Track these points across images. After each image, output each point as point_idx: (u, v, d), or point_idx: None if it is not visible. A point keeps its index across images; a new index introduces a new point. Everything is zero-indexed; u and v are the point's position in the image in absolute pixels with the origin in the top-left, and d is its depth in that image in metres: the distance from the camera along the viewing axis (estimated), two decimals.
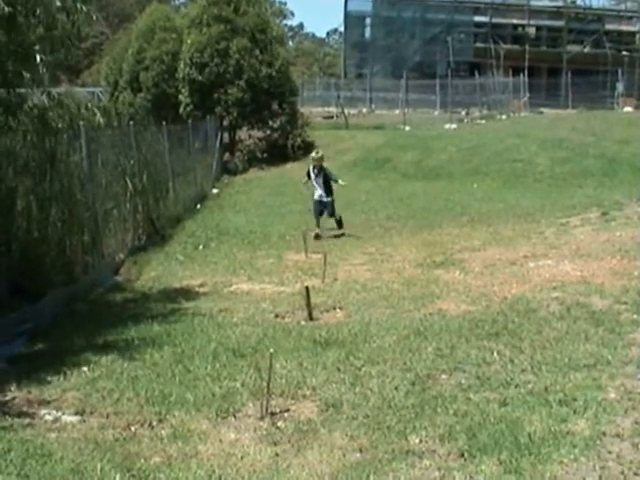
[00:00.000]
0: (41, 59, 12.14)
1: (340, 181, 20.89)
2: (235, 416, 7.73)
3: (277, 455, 6.81)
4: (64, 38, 12.60)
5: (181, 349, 9.87)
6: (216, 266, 16.05)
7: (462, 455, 6.52)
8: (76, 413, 8.00)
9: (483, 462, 6.33)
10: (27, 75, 11.56)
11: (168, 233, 20.42)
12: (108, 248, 16.38)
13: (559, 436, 6.68)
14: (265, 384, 7.73)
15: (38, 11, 11.51)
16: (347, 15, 77.08)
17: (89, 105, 18.33)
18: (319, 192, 20.59)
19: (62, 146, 14.60)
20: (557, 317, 10.26)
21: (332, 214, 20.58)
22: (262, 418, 7.60)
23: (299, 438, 7.13)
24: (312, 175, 20.76)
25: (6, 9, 10.56)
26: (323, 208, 20.57)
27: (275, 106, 40.24)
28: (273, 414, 7.66)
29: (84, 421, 7.81)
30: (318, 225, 20.14)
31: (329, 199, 20.60)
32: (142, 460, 6.78)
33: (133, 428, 7.56)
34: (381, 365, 8.86)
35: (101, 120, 16.44)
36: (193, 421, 7.62)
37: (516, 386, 7.96)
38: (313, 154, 21.37)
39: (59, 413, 8.03)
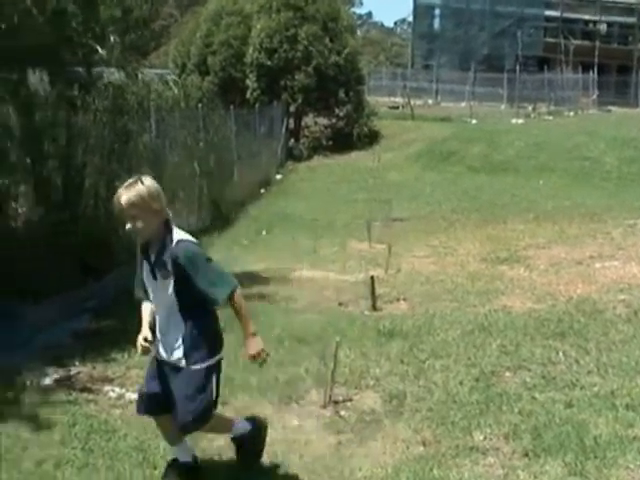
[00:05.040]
0: (115, 39, 12.25)
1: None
2: (298, 403, 7.75)
3: (340, 444, 6.82)
4: (139, 21, 12.71)
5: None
6: (279, 252, 16.06)
7: (526, 455, 6.46)
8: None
9: (548, 463, 6.27)
10: (102, 52, 11.64)
11: (232, 217, 20.48)
12: None
13: (625, 441, 6.59)
14: (329, 372, 7.73)
15: None
16: (416, 5, 76.92)
17: (168, 78, 18.50)
18: (166, 337, 5.70)
19: (133, 125, 14.71)
20: (624, 320, 10.11)
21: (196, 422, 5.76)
22: (325, 406, 7.60)
23: (362, 428, 7.13)
24: (144, 272, 5.79)
25: None
26: (164, 391, 5.81)
27: (341, 94, 40.16)
28: (336, 403, 7.66)
29: None
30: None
31: (192, 364, 5.65)
32: (206, 441, 6.81)
33: None
34: (445, 359, 8.81)
35: (176, 92, 16.55)
36: (256, 405, 7.63)
37: (582, 388, 7.86)
38: (122, 195, 5.57)
39: (123, 390, 8.11)
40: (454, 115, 46.43)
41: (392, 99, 56.23)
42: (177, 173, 17.45)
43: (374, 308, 11.09)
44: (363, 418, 7.33)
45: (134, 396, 7.84)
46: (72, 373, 8.65)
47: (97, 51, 11.55)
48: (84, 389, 8.17)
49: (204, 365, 5.66)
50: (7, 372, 8.56)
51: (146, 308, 5.79)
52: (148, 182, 5.60)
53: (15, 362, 8.89)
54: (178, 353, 5.62)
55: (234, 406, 7.64)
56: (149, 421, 7.17)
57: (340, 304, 11.58)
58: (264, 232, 18.66)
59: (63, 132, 12.68)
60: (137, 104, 15.58)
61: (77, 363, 8.92)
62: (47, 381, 8.36)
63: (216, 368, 5.79)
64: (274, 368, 8.58)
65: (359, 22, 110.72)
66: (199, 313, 5.65)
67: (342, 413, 7.47)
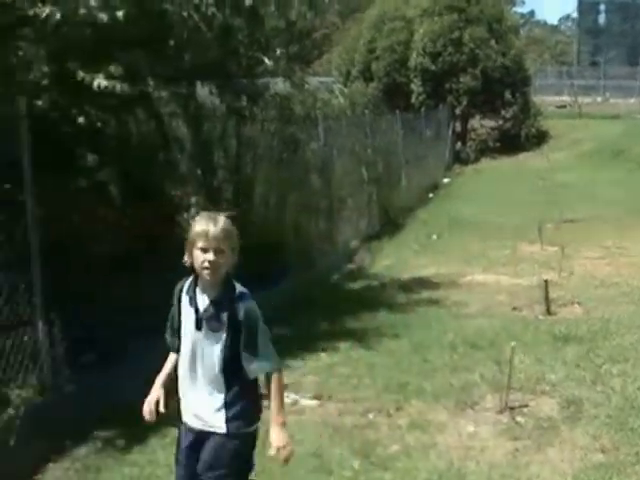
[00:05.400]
0: (280, 50, 12.43)
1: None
2: (473, 408, 7.71)
3: (517, 450, 6.75)
4: (303, 31, 12.86)
5: (417, 339, 9.89)
6: (449, 256, 15.91)
7: None
8: (315, 397, 8.15)
9: None
10: (268, 63, 11.79)
11: (401, 222, 20.45)
12: (343, 235, 16.61)
13: None
14: (504, 377, 7.64)
15: (278, 5, 11.78)
16: (581, 1, 75.56)
17: (335, 87, 18.66)
18: (202, 399, 4.79)
19: (300, 134, 14.87)
20: None
21: None
22: (501, 412, 7.53)
23: (539, 434, 7.04)
24: (184, 320, 4.84)
25: (247, 1, 10.82)
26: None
27: (508, 95, 39.71)
28: (512, 408, 7.57)
29: (322, 406, 7.95)
30: None
31: (233, 430, 4.75)
32: (380, 448, 6.84)
33: (371, 415, 7.65)
34: (622, 364, 8.63)
35: (342, 101, 16.67)
36: (431, 411, 7.63)
37: None
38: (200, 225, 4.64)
39: (297, 396, 8.18)
40: (623, 112, 45.22)
41: (559, 98, 55.24)
42: (345, 180, 17.55)
43: (548, 312, 10.92)
44: (540, 424, 7.23)
45: (309, 402, 7.97)
46: None
47: (263, 62, 11.69)
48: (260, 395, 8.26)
49: (246, 431, 4.78)
50: None
51: (170, 361, 5.00)
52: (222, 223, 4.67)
53: None
54: (218, 417, 4.73)
55: (408, 412, 7.65)
56: (325, 428, 7.26)
57: (514, 308, 11.44)
58: (434, 236, 18.53)
59: (232, 143, 12.92)
60: (304, 113, 15.73)
61: None
62: None
63: (254, 437, 4.89)
64: (448, 374, 8.57)
65: (522, 21, 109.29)
66: (245, 374, 4.72)
67: (518, 419, 7.38)
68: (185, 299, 4.77)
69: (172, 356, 4.97)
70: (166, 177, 11.40)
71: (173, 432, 7.23)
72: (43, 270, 7.34)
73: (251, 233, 12.78)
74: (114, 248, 9.60)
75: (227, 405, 4.72)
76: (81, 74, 7.88)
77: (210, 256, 4.55)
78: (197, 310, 4.69)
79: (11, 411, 6.89)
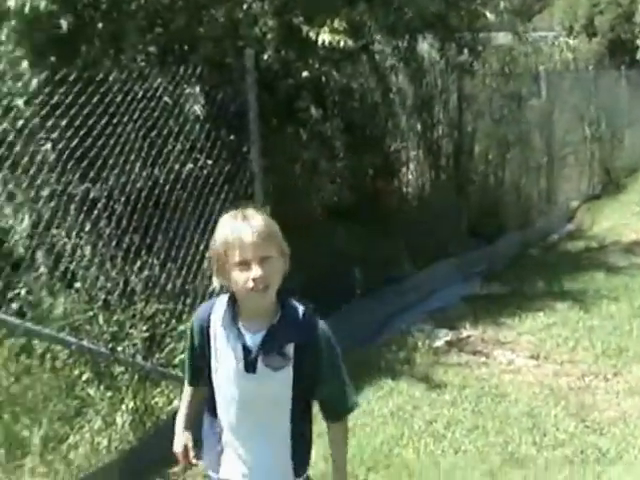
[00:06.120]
0: (504, 4, 12.26)
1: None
2: None
3: None
4: None
5: (638, 303, 9.61)
6: None
7: None
8: (531, 357, 8.07)
9: None
10: (490, 16, 11.63)
11: (623, 183, 19.85)
12: (562, 195, 16.30)
13: None
14: None
15: None
16: None
17: (560, 40, 18.28)
18: (261, 451, 3.39)
19: (522, 89, 14.63)
20: None
21: None
22: None
23: None
24: (221, 363, 3.34)
25: None
26: None
27: None
28: None
29: (538, 366, 7.85)
30: None
31: (299, 477, 3.45)
32: (596, 412, 6.70)
33: (587, 379, 7.50)
34: None
35: (569, 55, 16.35)
36: None
37: None
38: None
39: (514, 355, 8.13)
40: None
41: None
42: (567, 138, 17.16)
43: None
44: None
45: (525, 362, 7.90)
46: (463, 336, 8.76)
47: (484, 15, 11.54)
48: (475, 352, 8.26)
49: (307, 474, 3.53)
50: (400, 333, 8.81)
51: (187, 398, 3.63)
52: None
53: (407, 324, 9.13)
54: (284, 471, 3.44)
55: (626, 378, 7.46)
56: (540, 389, 7.17)
57: None
58: None
59: (453, 98, 12.83)
60: (525, 68, 15.46)
61: (468, 326, 9.02)
62: (438, 343, 8.51)
63: None
64: None
65: None
66: (306, 416, 3.45)
67: None
68: (221, 334, 3.34)
69: (189, 390, 3.62)
70: (386, 131, 11.46)
71: (389, 384, 7.32)
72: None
73: (470, 191, 12.77)
74: (334, 200, 9.75)
75: (295, 453, 3.44)
76: (305, 29, 7.97)
77: (256, 271, 3.11)
78: (247, 348, 3.28)
79: None
